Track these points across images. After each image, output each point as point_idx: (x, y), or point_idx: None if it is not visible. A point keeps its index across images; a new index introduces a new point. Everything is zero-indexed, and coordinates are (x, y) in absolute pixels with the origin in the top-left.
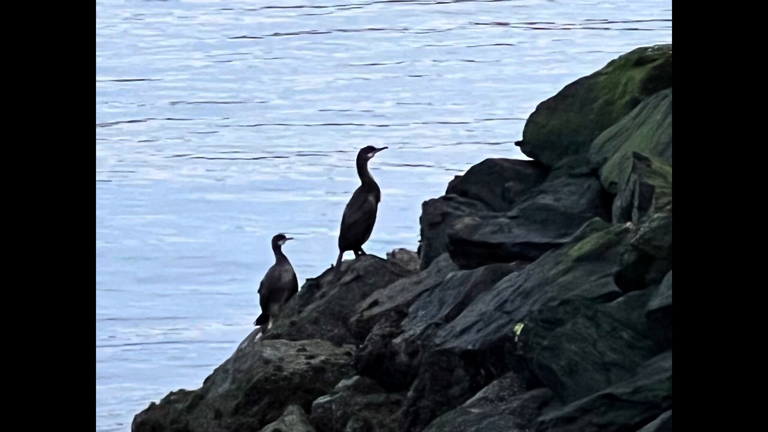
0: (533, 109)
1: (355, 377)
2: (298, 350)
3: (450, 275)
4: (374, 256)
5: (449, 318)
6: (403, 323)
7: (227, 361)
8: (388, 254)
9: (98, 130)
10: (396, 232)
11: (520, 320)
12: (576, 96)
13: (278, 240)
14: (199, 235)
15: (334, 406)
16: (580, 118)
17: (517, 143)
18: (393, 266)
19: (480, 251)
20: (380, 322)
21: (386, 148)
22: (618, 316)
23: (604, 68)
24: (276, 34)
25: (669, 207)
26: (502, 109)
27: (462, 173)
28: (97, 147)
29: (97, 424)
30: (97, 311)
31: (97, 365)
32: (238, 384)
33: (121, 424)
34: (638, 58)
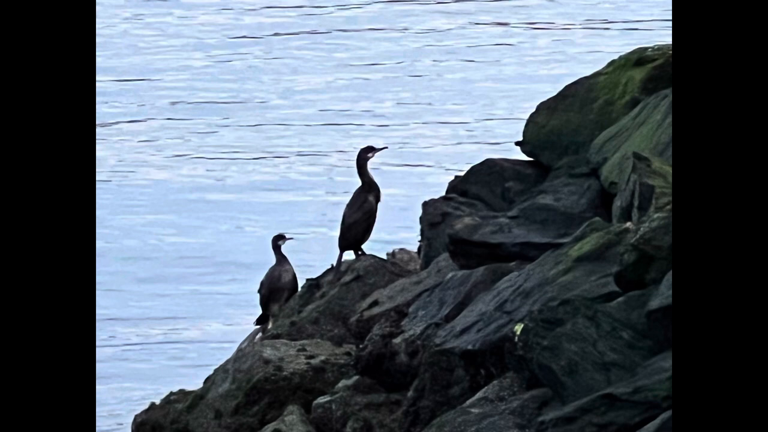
0: (533, 109)
1: (355, 377)
2: (298, 350)
3: (450, 275)
4: (374, 256)
5: (449, 318)
6: (403, 323)
7: (227, 361)
8: (388, 254)
9: (98, 130)
10: (396, 232)
11: (520, 320)
12: (576, 96)
13: (278, 240)
14: (199, 235)
15: (334, 406)
16: (580, 118)
17: (517, 143)
18: (393, 266)
19: (480, 251)
20: (380, 322)
21: (386, 148)
22: (618, 316)
23: (604, 68)
24: (276, 34)
25: (669, 207)
26: (502, 109)
27: (462, 173)
28: (97, 147)
29: (97, 424)
30: (97, 311)
31: (97, 365)
32: (238, 384)
33: (121, 424)
34: (638, 58)
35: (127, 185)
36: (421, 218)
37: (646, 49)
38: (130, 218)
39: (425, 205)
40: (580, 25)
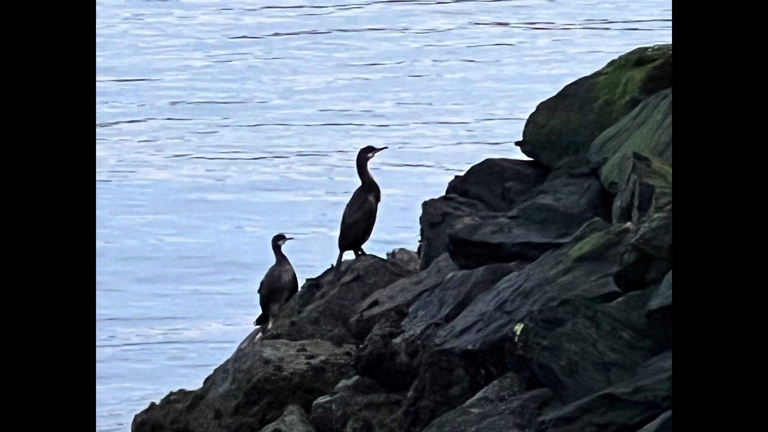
0: (533, 109)
1: (355, 377)
2: (298, 350)
3: (450, 275)
4: (374, 256)
5: (449, 318)
6: (403, 323)
7: (227, 361)
8: (388, 254)
9: (98, 130)
10: (396, 232)
11: (520, 320)
12: (576, 96)
13: (278, 240)
14: (199, 235)
15: (334, 406)
16: (580, 118)
17: (517, 143)
18: (393, 266)
19: (480, 251)
20: (380, 322)
21: (386, 148)
22: (618, 316)
23: (604, 68)
24: (276, 34)
25: (669, 207)
26: (502, 109)
27: (462, 173)
28: (97, 147)
29: (97, 424)
30: (97, 311)
31: (97, 365)
32: (238, 384)
33: (121, 424)
34: (638, 58)
35: (127, 185)
36: (421, 218)
37: (646, 49)
38: (130, 218)
39: (425, 205)
40: (580, 25)
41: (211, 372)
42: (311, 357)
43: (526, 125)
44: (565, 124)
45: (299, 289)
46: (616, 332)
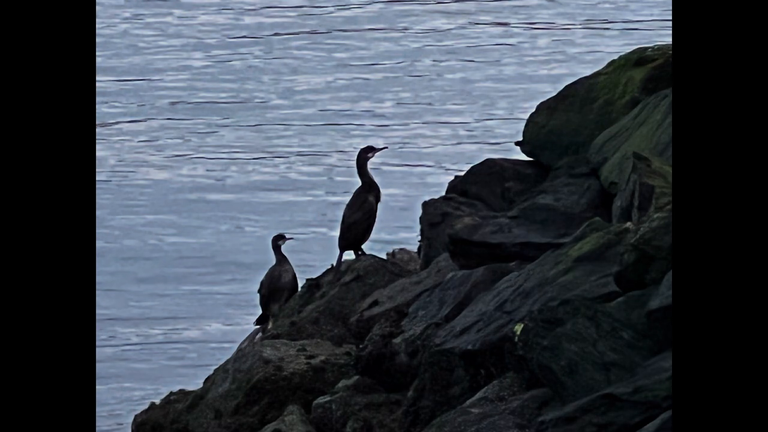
0: (533, 109)
1: (355, 377)
2: (298, 350)
3: (450, 275)
4: (374, 256)
5: (449, 318)
6: (403, 323)
7: (227, 361)
8: (388, 254)
9: (98, 130)
10: (396, 232)
11: (520, 320)
12: (576, 96)
13: (278, 240)
14: (199, 235)
15: (334, 406)
16: (580, 118)
17: (517, 143)
18: (393, 266)
19: (480, 251)
20: (380, 322)
21: (386, 148)
22: (618, 316)
23: (604, 68)
24: (276, 34)
25: (669, 207)
26: (502, 109)
27: (462, 173)
28: (97, 147)
29: (97, 424)
30: (97, 311)
31: (97, 365)
32: (238, 384)
33: (121, 424)
34: (638, 58)
35: (127, 185)
36: (421, 218)
37: (646, 49)
38: (130, 218)
39: (425, 205)
40: (580, 25)
41: (211, 372)
42: (311, 357)
43: (526, 125)
44: (565, 124)
45: (299, 289)
46: (616, 332)
